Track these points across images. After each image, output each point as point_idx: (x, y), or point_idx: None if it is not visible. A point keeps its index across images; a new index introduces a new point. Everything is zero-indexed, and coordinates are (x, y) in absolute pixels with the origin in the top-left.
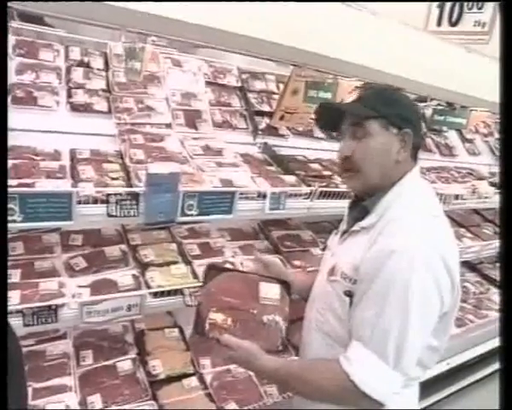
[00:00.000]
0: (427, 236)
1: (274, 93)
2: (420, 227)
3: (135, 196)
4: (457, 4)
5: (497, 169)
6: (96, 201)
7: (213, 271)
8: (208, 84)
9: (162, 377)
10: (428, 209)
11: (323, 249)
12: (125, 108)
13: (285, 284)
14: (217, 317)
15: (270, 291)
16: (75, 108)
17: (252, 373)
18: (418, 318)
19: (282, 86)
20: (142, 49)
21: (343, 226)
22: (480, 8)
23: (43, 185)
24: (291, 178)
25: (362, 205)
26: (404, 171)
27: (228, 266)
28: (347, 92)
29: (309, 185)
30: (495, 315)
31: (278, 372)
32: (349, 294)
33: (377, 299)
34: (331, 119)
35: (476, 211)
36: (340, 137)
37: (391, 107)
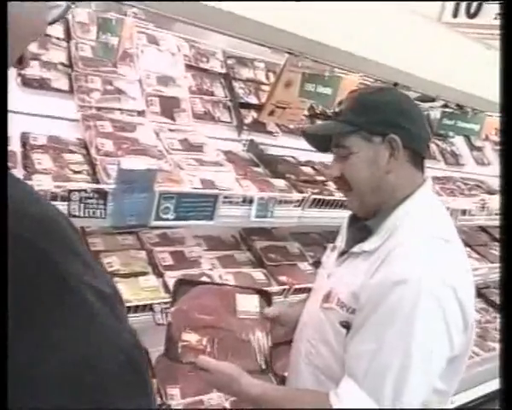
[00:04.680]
0: (437, 265)
1: (263, 83)
2: (428, 255)
3: (102, 195)
4: None
5: None
6: (55, 197)
7: (184, 285)
8: (188, 67)
9: None
10: (439, 233)
11: (313, 265)
12: (90, 89)
13: (264, 295)
14: (190, 338)
15: (249, 304)
16: (28, 82)
17: (227, 405)
18: (421, 359)
19: (272, 76)
20: (121, 21)
21: (341, 243)
22: None
23: None
24: (280, 183)
25: (364, 224)
26: (410, 185)
27: (203, 279)
28: (350, 89)
29: (300, 191)
30: None
31: (261, 398)
32: (346, 325)
33: (376, 333)
34: (320, 141)
35: (483, 228)
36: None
37: (370, 114)
